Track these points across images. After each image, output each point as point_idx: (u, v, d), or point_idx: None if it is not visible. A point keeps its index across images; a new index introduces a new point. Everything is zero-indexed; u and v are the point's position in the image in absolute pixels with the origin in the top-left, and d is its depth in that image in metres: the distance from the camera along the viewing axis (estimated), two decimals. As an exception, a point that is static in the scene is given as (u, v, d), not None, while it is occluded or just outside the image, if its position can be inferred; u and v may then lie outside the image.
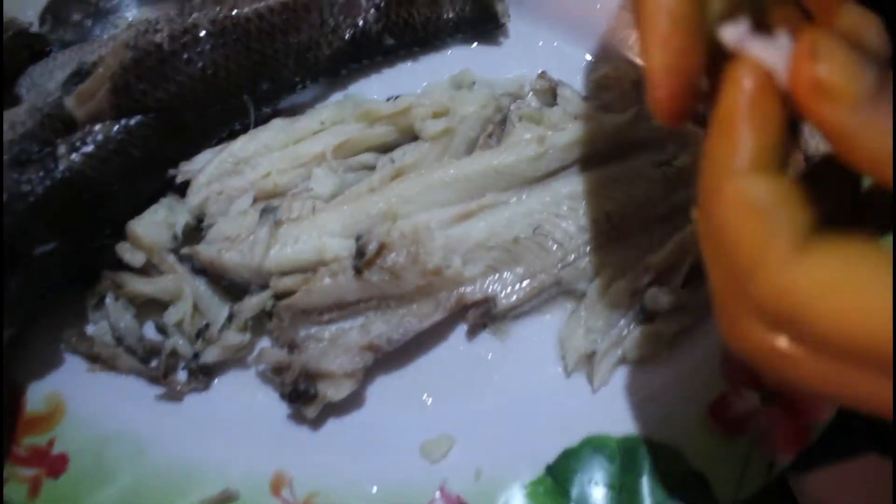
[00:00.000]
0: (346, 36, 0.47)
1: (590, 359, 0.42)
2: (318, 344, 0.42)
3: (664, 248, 0.42)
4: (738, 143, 0.27)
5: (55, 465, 0.41)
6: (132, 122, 0.44)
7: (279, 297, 0.43)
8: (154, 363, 0.44)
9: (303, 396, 0.41)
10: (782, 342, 0.28)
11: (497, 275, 0.43)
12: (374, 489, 0.40)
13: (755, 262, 0.27)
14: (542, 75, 0.47)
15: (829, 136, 0.27)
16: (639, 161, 0.45)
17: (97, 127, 0.44)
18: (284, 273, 0.43)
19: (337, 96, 0.50)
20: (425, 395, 0.43)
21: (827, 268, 0.27)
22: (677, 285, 0.41)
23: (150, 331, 0.45)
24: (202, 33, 0.45)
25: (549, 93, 0.47)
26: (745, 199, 0.27)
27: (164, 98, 0.44)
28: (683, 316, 0.41)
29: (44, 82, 0.45)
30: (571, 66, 0.49)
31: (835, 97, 0.26)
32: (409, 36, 0.49)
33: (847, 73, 0.27)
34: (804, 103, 0.27)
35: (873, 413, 0.27)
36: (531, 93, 0.48)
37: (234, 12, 0.45)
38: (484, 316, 0.43)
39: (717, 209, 0.27)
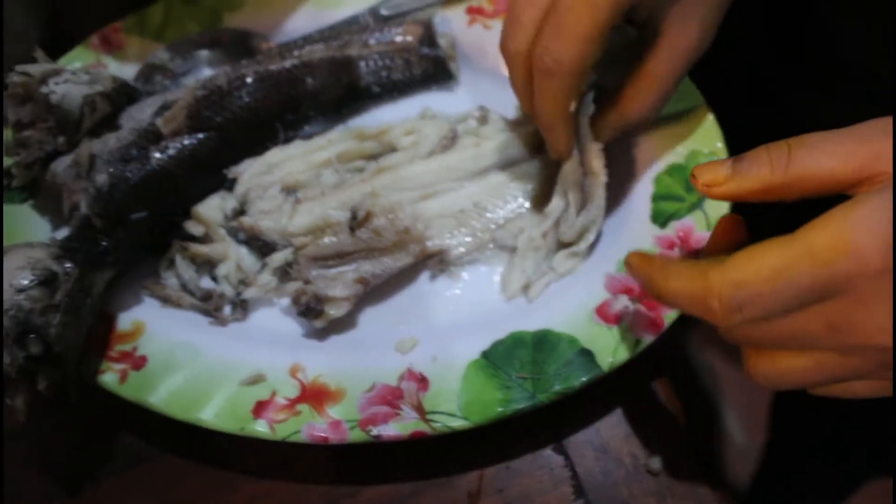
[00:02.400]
0: (345, 84, 0.63)
1: (526, 288, 0.56)
2: (324, 280, 0.55)
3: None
4: None
5: (137, 362, 0.53)
6: (200, 136, 0.59)
7: (297, 250, 0.56)
8: (208, 302, 0.57)
9: (313, 312, 0.54)
10: (749, 330, 0.38)
11: (449, 234, 0.57)
12: (362, 372, 0.52)
13: (706, 290, 0.37)
14: (481, 109, 0.63)
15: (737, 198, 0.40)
16: (542, 156, 0.60)
17: (176, 139, 0.58)
18: (301, 234, 0.57)
19: (339, 127, 0.65)
20: (399, 316, 0.56)
21: (738, 257, 0.36)
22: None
23: (205, 281, 0.58)
24: (249, 79, 0.60)
25: (484, 119, 0.62)
26: (679, 267, 0.39)
27: (222, 122, 0.59)
28: (589, 234, 0.56)
29: (138, 115, 0.60)
30: (504, 103, 0.63)
31: (718, 182, 0.40)
32: (389, 86, 0.64)
33: (714, 169, 0.40)
34: (714, 196, 0.41)
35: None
36: (473, 119, 0.62)
37: (270, 67, 0.61)
38: (441, 263, 0.57)
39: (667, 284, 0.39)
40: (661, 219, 0.57)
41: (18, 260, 0.51)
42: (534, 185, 0.59)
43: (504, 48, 0.52)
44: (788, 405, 0.87)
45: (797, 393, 0.73)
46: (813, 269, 0.34)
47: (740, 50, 0.75)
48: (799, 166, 0.38)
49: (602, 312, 0.54)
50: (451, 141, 0.61)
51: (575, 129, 0.55)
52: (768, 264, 0.35)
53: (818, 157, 0.37)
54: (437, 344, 0.54)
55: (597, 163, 0.55)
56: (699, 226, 0.56)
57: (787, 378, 0.39)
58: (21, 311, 0.49)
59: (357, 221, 0.56)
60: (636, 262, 0.43)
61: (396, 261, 0.57)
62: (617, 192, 0.59)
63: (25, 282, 0.50)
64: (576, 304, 0.54)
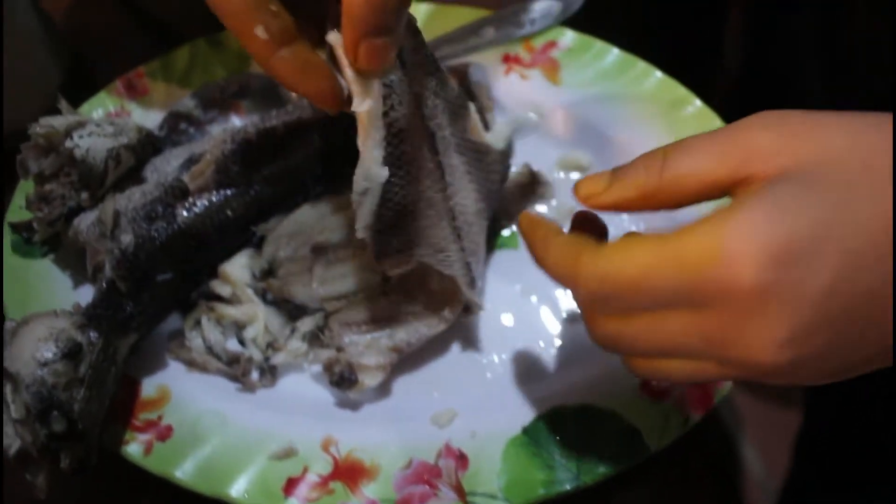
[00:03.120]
0: None
1: None
2: (357, 347, 0.53)
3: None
4: None
5: (163, 432, 0.51)
6: (228, 193, 0.56)
7: (329, 315, 0.55)
8: (235, 367, 0.55)
9: (347, 382, 0.52)
10: (611, 322, 0.37)
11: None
12: (397, 446, 0.51)
13: (573, 267, 0.36)
14: (525, 166, 0.61)
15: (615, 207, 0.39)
16: None
17: (204, 195, 0.56)
18: (333, 298, 0.55)
19: None
20: (434, 383, 0.54)
21: (614, 246, 0.35)
22: None
23: (232, 344, 0.56)
24: (279, 132, 0.58)
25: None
26: (560, 240, 0.38)
27: (250, 177, 0.57)
28: None
29: (163, 167, 0.58)
30: (540, 155, 0.63)
31: (597, 192, 0.39)
32: None
33: (591, 181, 0.39)
34: (593, 206, 0.39)
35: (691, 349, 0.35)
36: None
37: (302, 118, 0.59)
38: (465, 311, 0.54)
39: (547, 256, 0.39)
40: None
41: (41, 330, 0.49)
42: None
43: None
44: (809, 441, 0.86)
45: (817, 430, 0.72)
46: (679, 274, 0.33)
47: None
48: (673, 169, 0.36)
49: (648, 387, 0.52)
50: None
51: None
52: (636, 262, 0.34)
53: (692, 159, 0.36)
54: (475, 417, 0.53)
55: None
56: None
57: (667, 377, 0.38)
58: (44, 386, 0.47)
59: (389, 285, 0.55)
60: (525, 225, 0.41)
61: (430, 327, 0.54)
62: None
63: (49, 355, 0.48)
64: (620, 377, 0.52)
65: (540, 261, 0.39)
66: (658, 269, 0.33)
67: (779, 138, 0.34)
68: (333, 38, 0.42)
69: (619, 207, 0.39)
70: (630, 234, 0.37)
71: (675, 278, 0.33)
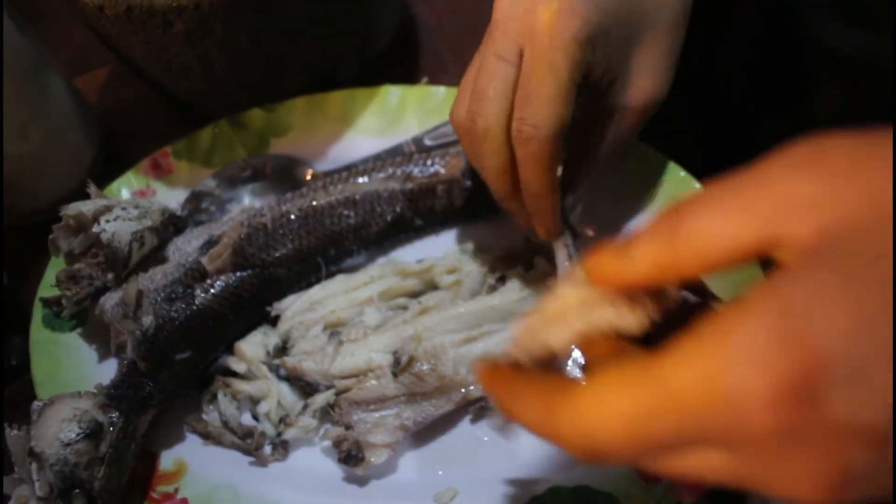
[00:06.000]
0: (388, 219, 0.63)
1: None
2: (366, 425, 0.55)
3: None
4: None
5: None
6: (244, 274, 0.59)
7: (339, 393, 0.57)
8: (248, 441, 0.57)
9: (354, 459, 0.54)
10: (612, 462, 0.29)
11: None
12: None
13: (552, 434, 0.30)
14: (524, 239, 0.63)
15: (628, 286, 0.32)
16: None
17: (221, 277, 0.59)
18: (344, 377, 0.57)
19: (381, 260, 0.65)
20: (439, 461, 0.56)
21: (592, 400, 0.28)
22: None
23: (246, 418, 0.59)
24: (293, 216, 0.61)
25: (530, 254, 0.62)
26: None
27: (266, 259, 0.60)
28: None
29: (184, 247, 0.61)
30: None
31: (610, 267, 0.31)
32: (432, 218, 0.64)
33: (600, 255, 0.32)
34: (610, 286, 0.32)
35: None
36: (520, 266, 0.61)
37: (314, 203, 0.62)
38: (482, 409, 0.57)
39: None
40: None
41: (65, 411, 0.52)
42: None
43: (471, 126, 0.50)
44: None
45: None
46: (679, 420, 0.26)
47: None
48: (687, 235, 0.28)
49: (641, 471, 0.53)
50: (495, 279, 0.62)
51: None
52: (620, 411, 0.27)
53: (710, 220, 0.28)
54: (476, 496, 0.54)
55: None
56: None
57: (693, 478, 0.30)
58: (67, 465, 0.50)
59: (400, 367, 0.56)
60: (484, 378, 0.34)
61: (438, 408, 0.57)
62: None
63: (72, 435, 0.51)
64: (616, 460, 0.54)
65: (511, 417, 0.32)
66: (650, 420, 0.26)
67: (815, 184, 0.26)
68: None
69: (634, 289, 0.32)
70: (600, 372, 0.28)
71: (673, 425, 0.26)
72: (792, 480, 0.25)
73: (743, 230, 0.27)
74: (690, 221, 0.28)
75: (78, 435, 0.51)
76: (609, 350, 0.33)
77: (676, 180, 0.62)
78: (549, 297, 0.35)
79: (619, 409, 0.27)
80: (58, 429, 0.51)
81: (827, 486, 0.25)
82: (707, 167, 0.60)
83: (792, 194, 0.26)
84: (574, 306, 0.33)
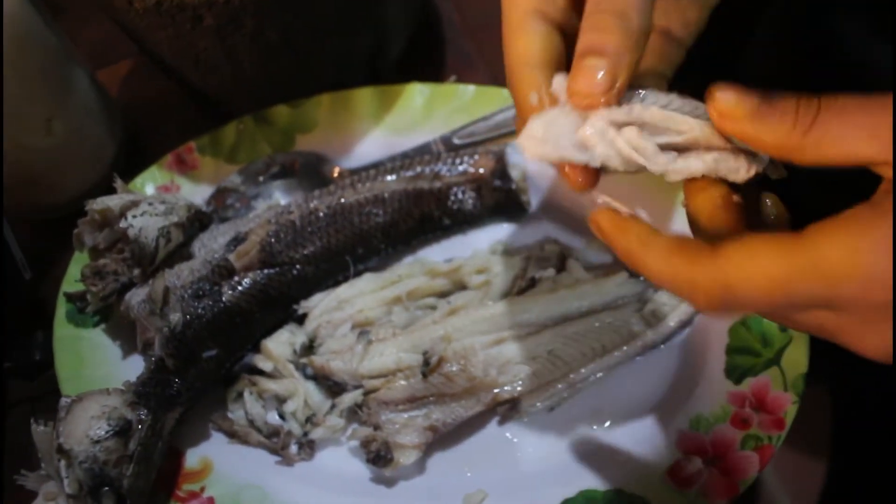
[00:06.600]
0: (417, 218, 0.63)
1: None
2: (394, 425, 0.55)
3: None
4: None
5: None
6: (272, 272, 0.59)
7: (368, 393, 0.56)
8: (275, 440, 0.56)
9: (383, 460, 0.54)
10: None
11: (521, 382, 0.56)
12: None
13: (686, 280, 0.34)
14: (553, 241, 0.63)
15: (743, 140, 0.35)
16: (623, 311, 0.59)
17: (249, 274, 0.58)
18: (373, 377, 0.56)
19: (409, 259, 0.64)
20: (468, 462, 0.56)
21: (735, 254, 0.33)
22: None
23: (272, 417, 0.58)
24: (321, 214, 0.60)
25: (560, 255, 0.62)
26: (660, 244, 0.35)
27: (294, 257, 0.59)
28: None
29: (210, 244, 0.60)
30: (575, 237, 0.64)
31: (734, 115, 0.34)
32: (460, 219, 0.64)
33: (737, 100, 0.34)
34: (722, 129, 0.35)
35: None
36: (552, 268, 0.61)
37: (342, 200, 0.61)
38: (511, 410, 0.56)
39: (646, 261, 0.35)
40: (735, 374, 0.56)
41: (94, 408, 0.52)
42: (609, 337, 0.58)
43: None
44: (835, 476, 0.85)
45: (844, 465, 0.71)
46: (815, 287, 0.32)
47: None
48: (819, 133, 0.33)
49: (674, 475, 0.53)
50: (524, 281, 0.61)
51: None
52: (767, 273, 0.32)
53: (843, 128, 0.33)
54: (506, 498, 0.54)
55: None
56: (775, 384, 0.55)
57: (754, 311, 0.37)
58: (96, 463, 0.50)
59: (430, 367, 0.56)
60: (608, 229, 0.37)
61: (467, 409, 0.56)
62: (691, 341, 0.59)
63: (101, 432, 0.51)
64: (648, 463, 0.54)
65: (641, 268, 0.36)
66: (795, 282, 0.32)
67: None
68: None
69: (747, 142, 0.35)
70: (748, 236, 0.33)
71: (809, 290, 0.32)
72: (871, 340, 0.33)
73: (864, 148, 0.32)
74: (826, 123, 0.33)
75: (107, 432, 0.51)
76: (711, 200, 0.37)
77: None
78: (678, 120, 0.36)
79: (768, 270, 0.32)
80: (87, 426, 0.51)
81: (888, 351, 0.33)
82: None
83: None
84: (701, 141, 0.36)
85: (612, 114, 0.36)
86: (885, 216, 0.31)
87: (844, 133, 0.33)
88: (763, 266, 0.32)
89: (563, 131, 0.37)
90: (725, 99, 0.35)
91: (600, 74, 0.35)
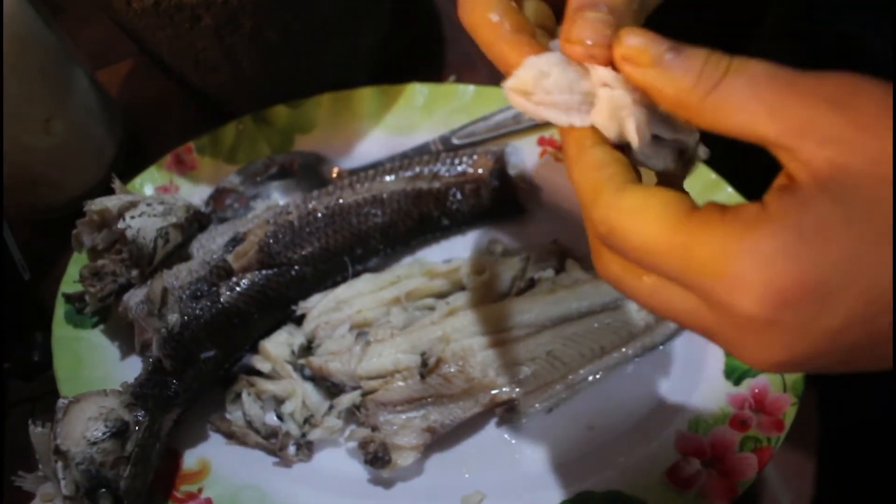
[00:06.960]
0: (415, 218, 0.62)
1: None
2: (392, 426, 0.54)
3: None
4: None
5: None
6: (270, 272, 0.59)
7: (366, 394, 0.56)
8: (273, 441, 0.56)
9: (380, 461, 0.54)
10: (616, 265, 0.33)
11: (519, 383, 0.56)
12: None
13: (591, 201, 0.33)
14: (552, 241, 0.62)
15: (644, 90, 0.33)
16: (622, 311, 0.59)
17: (247, 275, 0.58)
18: (371, 377, 0.56)
19: (408, 259, 0.64)
20: (465, 464, 0.56)
21: (633, 199, 0.31)
22: None
23: (270, 418, 0.57)
24: (319, 215, 0.60)
25: (559, 255, 0.61)
26: (590, 159, 0.33)
27: (292, 258, 0.59)
28: None
29: (209, 245, 0.60)
30: (574, 236, 0.62)
31: (639, 60, 0.32)
32: (459, 218, 0.64)
33: (645, 43, 0.32)
34: (624, 72, 0.33)
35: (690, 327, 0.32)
36: (551, 269, 0.60)
37: (341, 201, 0.61)
38: (509, 411, 0.56)
39: (573, 170, 0.34)
40: (734, 375, 0.56)
41: (91, 410, 0.52)
42: (609, 338, 0.58)
43: None
44: (832, 473, 0.85)
45: (841, 461, 0.70)
46: (682, 267, 0.30)
47: None
48: (721, 96, 0.30)
49: (673, 476, 0.53)
50: (523, 281, 0.61)
51: None
52: (645, 231, 0.31)
53: (746, 98, 0.30)
54: (503, 499, 0.54)
55: None
56: (775, 385, 0.55)
57: (663, 314, 0.34)
58: (93, 464, 0.50)
59: (428, 368, 0.56)
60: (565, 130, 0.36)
61: (465, 410, 0.56)
62: (690, 342, 0.58)
63: (98, 434, 0.51)
64: (647, 464, 0.54)
65: (567, 170, 0.35)
66: (662, 252, 0.31)
67: (845, 125, 0.28)
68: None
69: (649, 92, 0.33)
70: (654, 188, 0.32)
71: (677, 268, 0.31)
72: (750, 350, 0.31)
73: (762, 125, 0.30)
74: (729, 87, 0.30)
75: (104, 434, 0.51)
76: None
77: (707, 182, 0.61)
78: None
79: (646, 225, 0.31)
80: (84, 427, 0.51)
81: (774, 364, 0.30)
82: (736, 169, 0.61)
83: (822, 124, 0.29)
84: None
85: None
86: (770, 221, 0.29)
87: (745, 104, 0.30)
88: (645, 223, 0.31)
89: (560, 85, 0.34)
90: (631, 42, 0.32)
91: (603, 24, 0.34)
